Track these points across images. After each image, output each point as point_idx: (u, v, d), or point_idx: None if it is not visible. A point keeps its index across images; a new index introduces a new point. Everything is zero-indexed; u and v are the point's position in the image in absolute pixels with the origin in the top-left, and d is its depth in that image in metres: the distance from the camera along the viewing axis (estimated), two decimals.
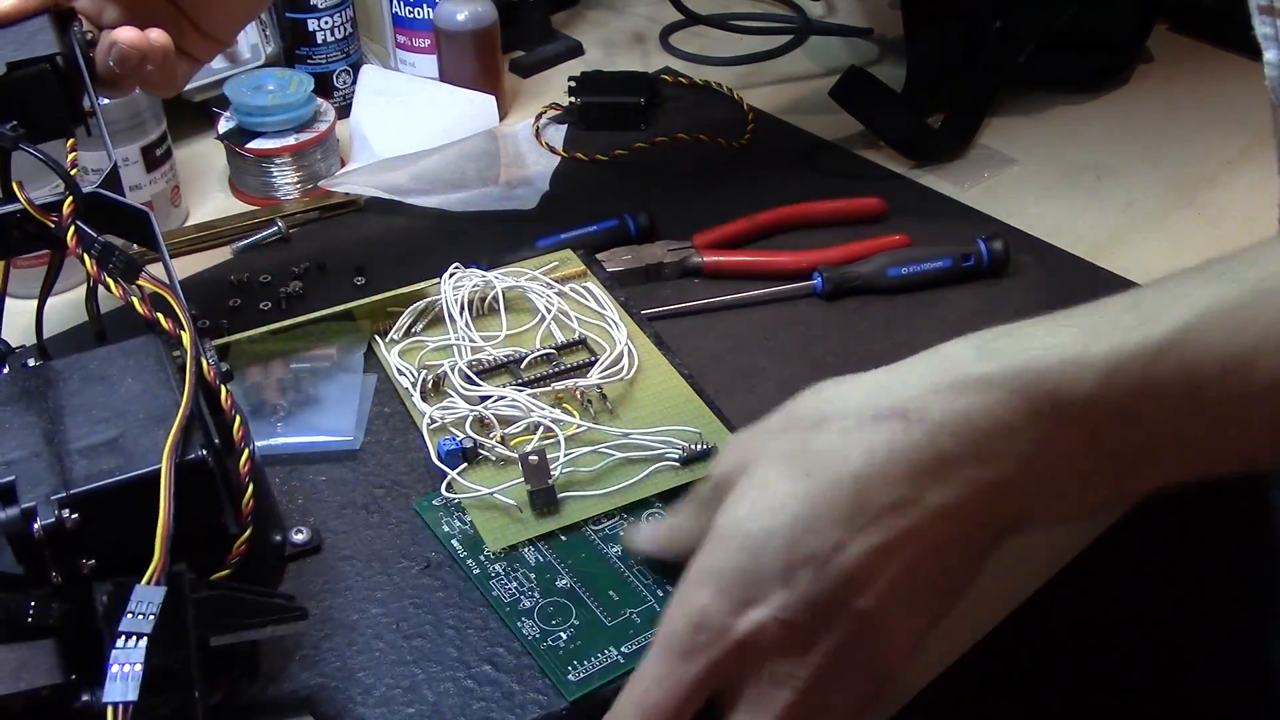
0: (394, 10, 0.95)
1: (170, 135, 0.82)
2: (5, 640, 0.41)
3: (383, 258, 0.78)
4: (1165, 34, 1.02)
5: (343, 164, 0.87)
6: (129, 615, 0.39)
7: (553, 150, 0.89)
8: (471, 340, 0.66)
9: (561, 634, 0.53)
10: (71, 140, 0.55)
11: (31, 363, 0.49)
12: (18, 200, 0.50)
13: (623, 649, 0.52)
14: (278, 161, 0.83)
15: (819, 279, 0.74)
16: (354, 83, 0.92)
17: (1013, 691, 0.57)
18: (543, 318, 0.68)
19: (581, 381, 0.63)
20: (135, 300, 0.47)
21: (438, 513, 0.58)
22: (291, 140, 0.83)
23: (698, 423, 0.62)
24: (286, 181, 0.84)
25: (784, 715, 0.45)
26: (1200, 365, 0.42)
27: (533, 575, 0.55)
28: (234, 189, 0.86)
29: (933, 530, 0.43)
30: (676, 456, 0.60)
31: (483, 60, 0.92)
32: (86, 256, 0.48)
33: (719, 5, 1.06)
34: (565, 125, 0.92)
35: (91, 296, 0.55)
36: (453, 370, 0.63)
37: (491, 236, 0.79)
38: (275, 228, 0.80)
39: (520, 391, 0.62)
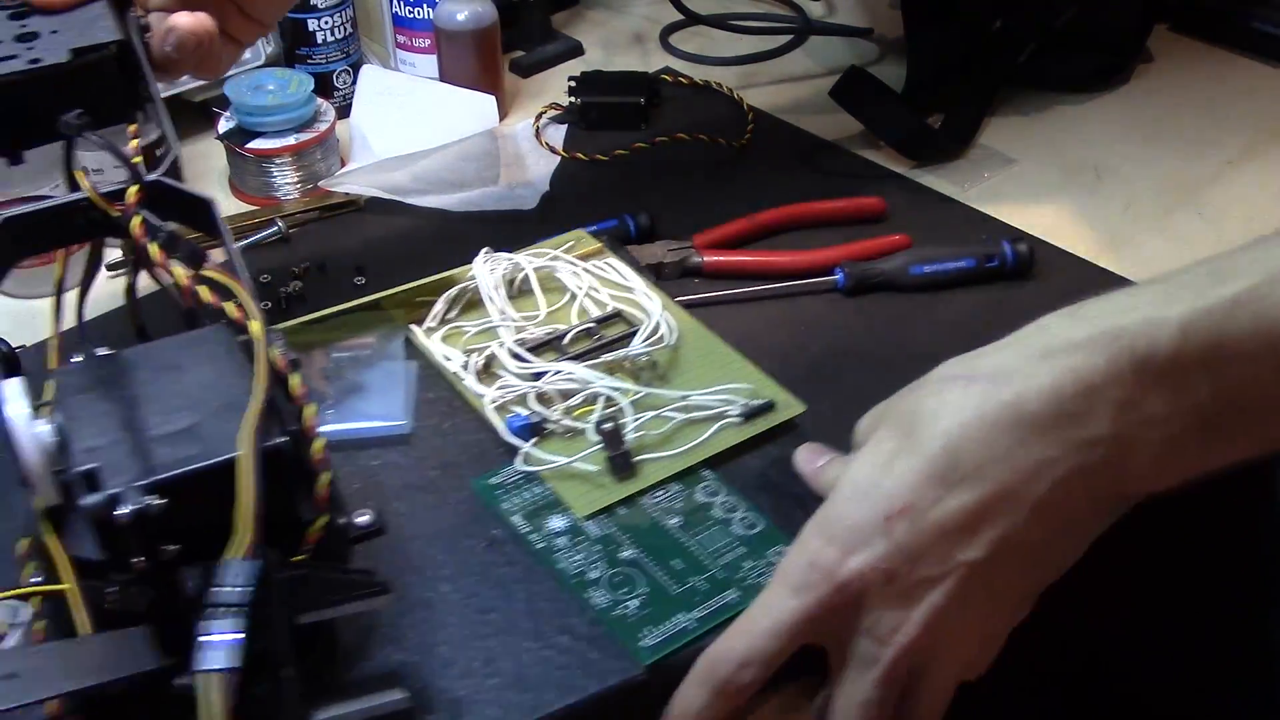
0: (394, 10, 0.95)
1: None
2: (93, 625, 0.41)
3: (383, 258, 0.78)
4: (1165, 34, 1.02)
5: (343, 164, 0.87)
6: (221, 589, 0.39)
7: (553, 150, 0.89)
8: (514, 321, 0.67)
9: (631, 602, 0.53)
10: (133, 126, 0.54)
11: (102, 352, 0.49)
12: (82, 189, 0.50)
13: (693, 615, 0.53)
14: (278, 161, 0.83)
15: (841, 274, 0.74)
16: (354, 83, 0.92)
17: (1012, 686, 0.57)
18: (573, 295, 0.70)
19: (630, 351, 0.64)
20: (203, 289, 0.46)
21: (497, 490, 0.59)
22: (291, 140, 0.83)
23: (747, 380, 0.64)
24: (286, 181, 0.84)
25: (890, 671, 0.48)
26: (1273, 318, 0.43)
27: (597, 547, 0.56)
28: (234, 189, 0.86)
29: (1026, 490, 0.46)
30: (738, 412, 0.61)
31: (483, 60, 0.92)
32: (153, 245, 0.47)
33: (719, 5, 1.06)
34: (565, 125, 0.92)
35: (131, 289, 0.55)
36: (501, 350, 0.64)
37: (491, 236, 0.79)
38: (275, 228, 0.80)
39: (576, 364, 0.63)
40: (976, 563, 0.46)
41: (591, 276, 0.71)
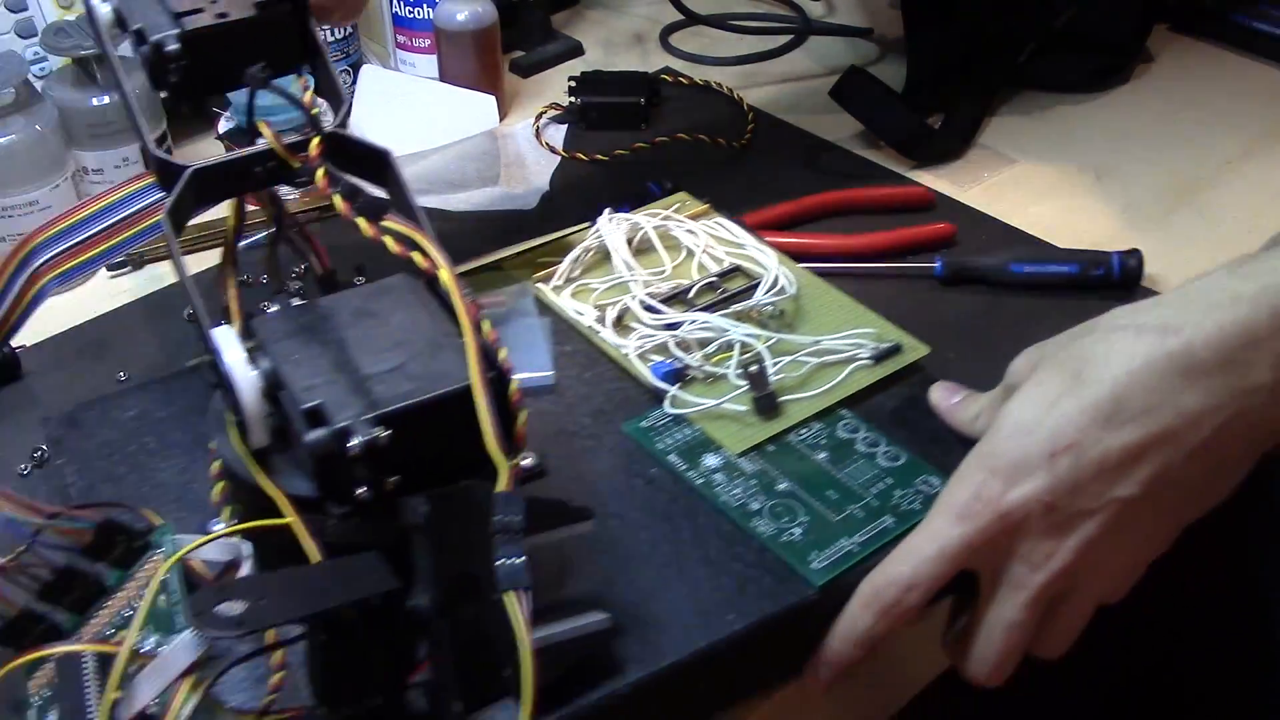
0: (394, 10, 0.96)
1: (170, 135, 0.82)
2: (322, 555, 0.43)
3: (383, 258, 0.77)
4: (1165, 34, 1.02)
5: None
6: (500, 518, 0.42)
7: (553, 150, 0.89)
8: (642, 276, 0.69)
9: (795, 530, 0.55)
10: (303, 79, 0.55)
11: (295, 302, 0.50)
12: (265, 139, 0.51)
13: (855, 539, 0.55)
14: None
15: (940, 263, 0.75)
16: (354, 83, 0.92)
17: (1009, 683, 0.57)
18: (690, 252, 0.71)
19: (756, 301, 0.66)
20: (388, 239, 0.47)
21: (649, 433, 0.61)
22: (291, 140, 0.83)
23: (870, 325, 0.66)
24: None
25: (1039, 594, 0.51)
26: None
27: (753, 481, 0.58)
28: None
29: (1187, 434, 0.49)
30: (868, 355, 0.63)
31: (483, 60, 0.92)
32: (337, 196, 0.48)
33: (719, 5, 1.06)
34: (565, 125, 0.92)
35: (273, 250, 0.55)
36: (634, 304, 0.67)
37: (492, 236, 0.79)
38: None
39: (710, 314, 0.65)
40: (1131, 499, 0.50)
41: (705, 235, 0.72)
